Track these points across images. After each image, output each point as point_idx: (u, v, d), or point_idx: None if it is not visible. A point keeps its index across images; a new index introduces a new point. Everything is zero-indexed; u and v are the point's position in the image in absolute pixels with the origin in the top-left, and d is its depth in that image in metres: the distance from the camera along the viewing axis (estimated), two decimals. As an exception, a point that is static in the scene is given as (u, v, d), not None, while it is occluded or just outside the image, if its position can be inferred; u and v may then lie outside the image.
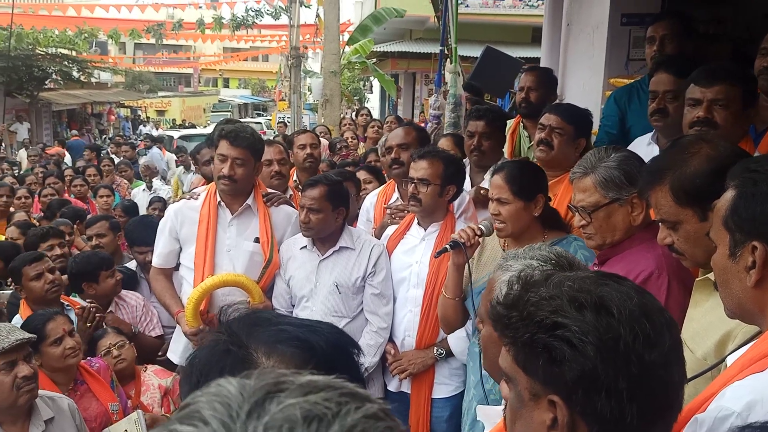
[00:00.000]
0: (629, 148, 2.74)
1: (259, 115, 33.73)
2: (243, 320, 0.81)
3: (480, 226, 2.34)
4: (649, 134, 2.71)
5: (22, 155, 10.73)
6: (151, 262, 3.41)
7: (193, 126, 26.73)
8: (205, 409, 0.44)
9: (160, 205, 5.85)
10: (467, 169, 3.31)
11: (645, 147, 2.60)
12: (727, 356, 1.13)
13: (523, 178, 2.25)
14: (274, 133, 13.38)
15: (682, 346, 0.83)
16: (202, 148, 4.43)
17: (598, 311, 0.78)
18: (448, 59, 5.44)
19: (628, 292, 0.81)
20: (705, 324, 1.38)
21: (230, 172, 2.71)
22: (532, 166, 2.46)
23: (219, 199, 2.87)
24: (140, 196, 6.90)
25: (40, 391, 2.19)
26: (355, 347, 0.84)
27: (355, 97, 24.88)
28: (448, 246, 2.29)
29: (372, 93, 25.88)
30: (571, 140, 2.67)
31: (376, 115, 19.20)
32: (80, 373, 2.57)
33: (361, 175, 3.82)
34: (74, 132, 19.46)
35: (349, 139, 6.33)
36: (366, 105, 23.03)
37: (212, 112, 34.04)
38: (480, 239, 2.33)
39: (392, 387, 2.82)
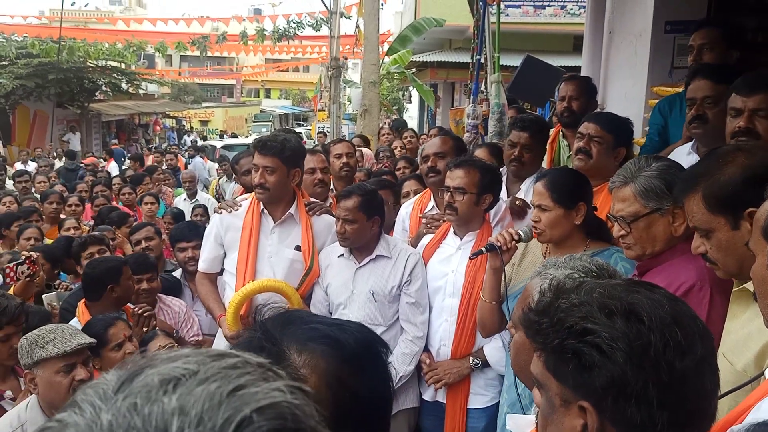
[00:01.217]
0: (672, 157, 2.71)
1: (299, 125, 34.28)
2: (276, 319, 0.85)
3: (519, 231, 2.34)
4: (689, 144, 2.66)
5: (31, 166, 11.01)
6: (191, 258, 3.54)
7: (235, 136, 27.39)
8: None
9: (201, 211, 6.02)
10: (504, 179, 3.31)
11: (685, 156, 2.55)
12: (766, 369, 1.11)
13: (565, 186, 2.25)
14: (314, 142, 13.60)
15: (716, 356, 0.83)
16: (241, 158, 4.54)
17: (628, 318, 0.79)
18: (486, 69, 5.43)
19: (659, 299, 0.81)
20: (743, 336, 1.36)
21: (260, 180, 2.80)
22: (575, 173, 2.45)
23: (262, 206, 2.95)
24: (181, 204, 7.13)
25: None
26: (384, 346, 0.87)
27: (394, 107, 25.00)
28: (484, 248, 2.30)
29: (411, 103, 25.96)
30: (609, 149, 2.64)
31: (414, 124, 19.26)
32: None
33: (412, 185, 3.81)
34: (114, 141, 20.16)
35: (398, 148, 6.27)
36: (405, 115, 23.15)
37: (254, 122, 34.81)
38: (517, 244, 2.33)
39: (428, 396, 2.83)
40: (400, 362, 2.76)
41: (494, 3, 4.81)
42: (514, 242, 2.28)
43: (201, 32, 18.21)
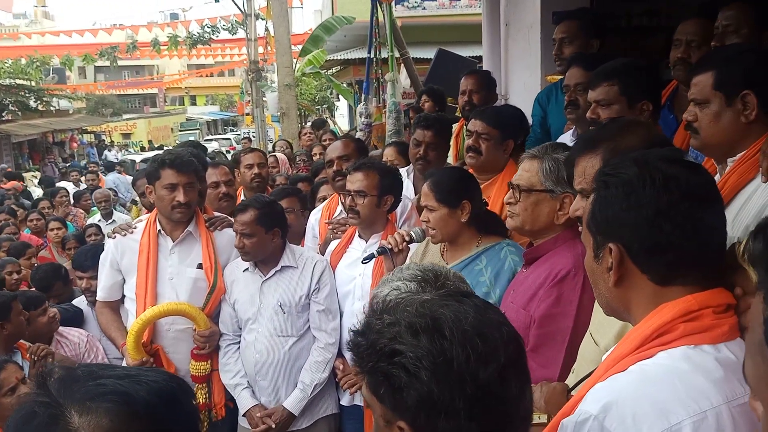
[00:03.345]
0: (555, 144, 2.81)
1: (230, 130, 33.48)
2: (63, 378, 0.80)
3: (411, 232, 2.36)
4: (572, 130, 2.78)
5: None
6: (87, 290, 3.38)
7: (162, 147, 26.42)
8: None
9: (94, 230, 5.75)
10: (411, 177, 3.34)
11: (569, 143, 2.65)
12: (605, 355, 1.16)
13: (447, 185, 2.28)
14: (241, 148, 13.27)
15: (521, 359, 0.85)
16: (138, 177, 4.35)
17: (432, 335, 0.79)
18: (383, 66, 5.45)
19: (466, 310, 0.83)
20: (606, 316, 1.41)
21: (187, 199, 2.71)
22: (458, 172, 2.49)
23: (159, 227, 2.85)
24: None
25: None
26: (187, 391, 0.84)
27: (324, 106, 24.80)
28: (375, 252, 2.32)
29: (340, 101, 25.85)
30: (498, 144, 2.71)
31: (345, 122, 19.16)
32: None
33: (327, 189, 3.72)
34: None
35: (317, 155, 6.13)
36: (336, 113, 23.02)
37: (180, 131, 33.68)
38: (411, 245, 2.35)
39: (345, 401, 2.83)
40: (314, 370, 2.74)
41: (384, 2, 4.84)
42: (405, 243, 2.29)
43: (109, 42, 17.41)
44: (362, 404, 2.78)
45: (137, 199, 9.36)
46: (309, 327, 2.79)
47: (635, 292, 1.04)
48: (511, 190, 1.95)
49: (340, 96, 25.11)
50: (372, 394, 0.84)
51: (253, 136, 14.03)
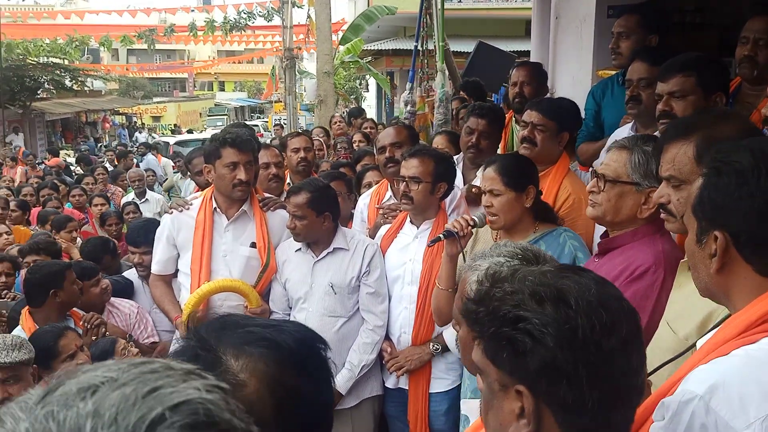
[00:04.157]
0: (611, 138, 2.80)
1: (257, 117, 33.74)
2: (211, 325, 0.85)
3: (474, 217, 2.38)
4: (630, 124, 2.76)
5: None
6: (139, 264, 3.47)
7: (191, 131, 26.77)
8: (3, 410, 0.48)
9: (132, 207, 5.89)
10: (460, 166, 3.36)
11: (626, 136, 2.64)
12: (698, 340, 1.17)
13: (515, 170, 2.30)
14: (271, 135, 13.40)
15: (641, 334, 0.88)
16: (194, 156, 4.42)
17: (557, 303, 0.82)
18: (430, 56, 5.45)
19: (587, 283, 0.85)
20: (688, 305, 1.41)
21: (247, 177, 2.77)
22: (523, 158, 2.51)
23: (215, 205, 2.91)
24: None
25: None
26: (323, 343, 0.88)
27: (351, 96, 24.86)
28: (441, 235, 2.33)
29: (368, 92, 25.87)
30: (554, 135, 2.71)
31: (373, 113, 19.21)
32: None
33: (373, 176, 3.79)
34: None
35: (358, 143, 6.19)
36: (363, 104, 23.05)
37: (208, 116, 34.07)
38: (473, 230, 2.37)
39: (390, 384, 2.87)
40: (362, 351, 2.78)
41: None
42: (470, 228, 2.32)
43: (148, 24, 17.64)
44: (406, 387, 2.83)
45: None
46: (358, 309, 2.84)
47: (737, 280, 1.05)
48: (595, 179, 1.91)
49: (369, 87, 25.21)
50: (488, 359, 0.87)
51: (284, 123, 14.13)
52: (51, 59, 20.11)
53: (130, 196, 7.22)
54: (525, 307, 0.82)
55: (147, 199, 7.09)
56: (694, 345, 1.25)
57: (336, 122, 7.19)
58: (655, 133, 2.17)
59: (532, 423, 0.83)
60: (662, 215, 1.56)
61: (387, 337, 2.84)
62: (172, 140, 16.32)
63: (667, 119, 2.14)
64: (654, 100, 2.32)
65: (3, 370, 2.04)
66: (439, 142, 3.69)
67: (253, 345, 0.81)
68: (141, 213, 5.89)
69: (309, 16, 12.29)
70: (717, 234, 1.05)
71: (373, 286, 2.80)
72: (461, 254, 2.34)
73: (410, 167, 2.71)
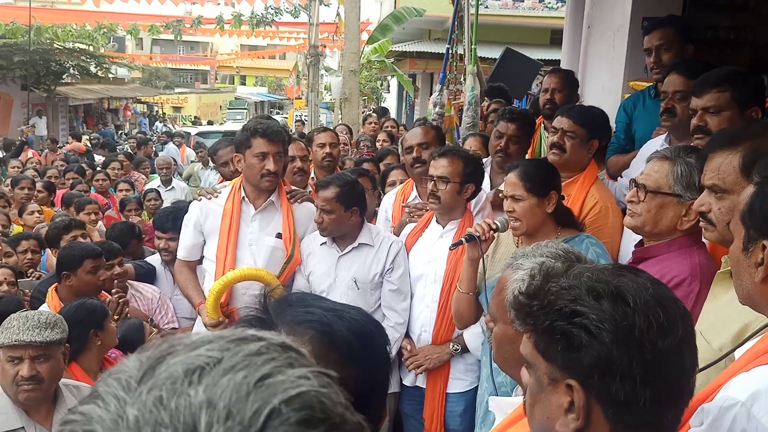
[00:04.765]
0: (642, 149, 2.79)
1: (276, 113, 33.96)
2: (280, 299, 0.86)
3: (495, 221, 2.39)
4: (663, 136, 2.75)
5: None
6: (164, 249, 3.51)
7: (211, 123, 26.97)
8: (101, 386, 0.46)
9: (154, 194, 5.98)
10: (488, 170, 3.36)
11: (659, 148, 2.64)
12: (736, 348, 1.17)
13: (537, 176, 2.30)
14: (291, 131, 13.46)
15: (695, 336, 0.88)
16: (219, 148, 4.46)
17: (615, 300, 0.83)
18: (459, 59, 5.46)
19: (644, 283, 0.86)
20: (722, 316, 1.41)
21: (276, 168, 2.79)
22: (545, 163, 2.51)
23: (243, 194, 2.94)
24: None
25: (66, 381, 2.24)
26: (384, 337, 0.88)
27: (375, 97, 24.93)
28: (463, 239, 2.34)
29: (389, 93, 25.91)
30: (583, 143, 2.71)
31: (393, 114, 19.23)
32: (105, 363, 2.64)
33: (398, 174, 3.81)
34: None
35: (381, 142, 6.04)
36: (383, 105, 23.12)
37: (228, 109, 34.29)
38: (494, 234, 2.37)
39: (408, 381, 2.88)
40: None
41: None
42: (491, 232, 2.32)
43: (175, 15, 17.83)
44: (423, 386, 2.84)
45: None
46: (380, 305, 2.85)
47: None
48: (634, 188, 1.90)
49: (390, 88, 25.25)
50: (539, 353, 0.88)
51: (305, 119, 14.21)
52: (77, 45, 20.33)
53: (155, 183, 7.29)
54: (582, 303, 0.83)
55: (173, 186, 7.15)
56: (727, 354, 1.25)
57: (371, 122, 7.20)
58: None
59: (582, 418, 0.84)
60: (701, 223, 1.56)
61: (407, 335, 2.85)
62: (193, 131, 16.46)
63: (702, 134, 2.13)
64: (688, 113, 2.32)
65: (34, 348, 2.05)
66: (471, 144, 3.70)
67: (307, 326, 0.81)
68: (162, 201, 5.97)
69: (338, 15, 12.36)
70: (765, 243, 1.05)
71: (396, 283, 2.82)
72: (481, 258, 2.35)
73: (439, 167, 2.73)
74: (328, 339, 0.80)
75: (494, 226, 2.35)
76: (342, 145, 4.97)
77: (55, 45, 19.03)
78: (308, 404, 0.44)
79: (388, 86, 25.16)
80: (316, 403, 0.44)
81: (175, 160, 9.27)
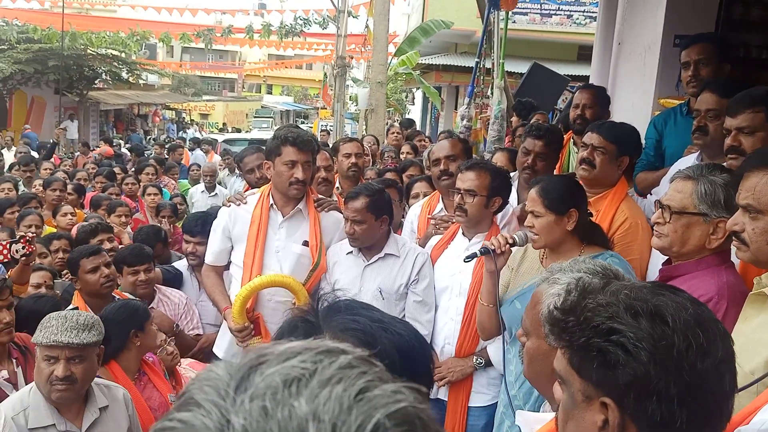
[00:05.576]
0: (674, 167, 2.76)
1: (301, 122, 34.33)
2: (334, 305, 0.87)
3: (514, 235, 2.38)
4: (695, 154, 2.72)
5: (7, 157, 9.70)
6: (191, 253, 3.56)
7: (238, 130, 27.37)
8: (197, 394, 0.46)
9: (179, 200, 6.06)
10: (516, 185, 3.35)
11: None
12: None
13: (557, 193, 2.28)
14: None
15: (735, 357, 0.87)
16: (245, 155, 4.51)
17: (653, 319, 0.83)
18: (486, 73, 5.49)
19: (683, 302, 0.85)
20: (754, 339, 1.39)
21: (304, 176, 2.83)
22: (567, 180, 2.48)
23: (272, 201, 2.98)
24: (198, 196, 7.13)
25: (97, 380, 2.28)
26: (427, 353, 0.87)
27: (401, 108, 25.07)
28: (478, 251, 2.34)
29: (413, 105, 26.02)
30: (613, 159, 2.69)
31: (417, 127, 19.30)
32: (143, 365, 2.67)
33: (422, 187, 3.82)
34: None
35: (405, 154, 6.03)
36: (407, 116, 23.22)
37: (254, 117, 34.76)
38: (513, 248, 2.37)
39: (430, 394, 2.87)
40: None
41: (504, 10, 4.86)
42: (508, 246, 2.32)
43: (206, 24, 18.19)
44: (445, 399, 2.83)
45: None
46: (404, 316, 2.85)
47: None
48: (660, 210, 1.89)
49: (415, 101, 25.36)
50: (573, 369, 0.88)
51: (331, 129, 14.34)
52: (110, 51, 20.87)
53: (199, 188, 7.40)
54: (619, 320, 0.83)
55: (216, 193, 7.26)
56: (762, 378, 1.22)
57: (394, 132, 7.24)
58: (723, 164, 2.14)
59: (616, 436, 0.83)
60: (734, 243, 1.54)
61: (430, 347, 2.85)
62: (220, 138, 16.73)
63: (736, 154, 2.11)
64: (721, 132, 2.30)
65: (71, 349, 2.08)
66: (498, 159, 3.70)
67: (351, 334, 0.82)
68: (187, 206, 6.04)
69: (367, 26, 12.49)
70: None
71: (421, 294, 2.82)
72: (504, 272, 2.34)
73: (466, 180, 2.73)
74: (368, 349, 0.81)
75: (511, 240, 2.34)
76: (366, 156, 5.00)
77: (88, 51, 19.57)
78: (408, 419, 0.44)
79: (413, 98, 25.27)
80: (415, 419, 0.45)
81: (200, 166, 9.40)
